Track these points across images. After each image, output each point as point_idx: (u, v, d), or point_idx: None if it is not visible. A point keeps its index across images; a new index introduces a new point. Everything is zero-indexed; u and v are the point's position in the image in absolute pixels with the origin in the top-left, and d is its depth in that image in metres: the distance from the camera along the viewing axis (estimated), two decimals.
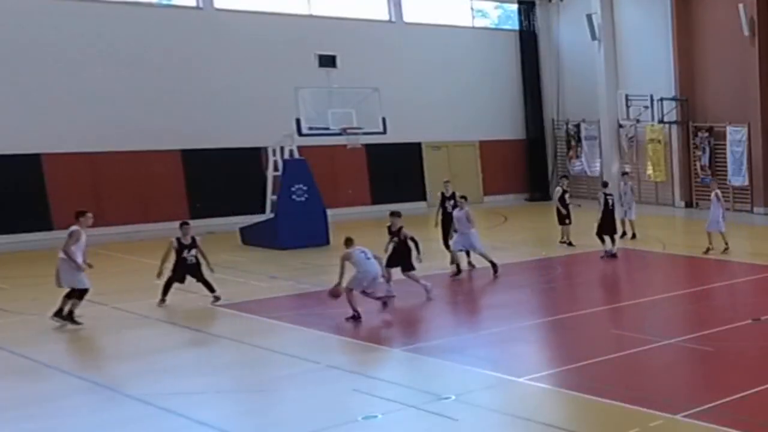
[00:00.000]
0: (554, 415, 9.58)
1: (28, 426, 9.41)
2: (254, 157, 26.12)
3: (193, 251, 15.29)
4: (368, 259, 14.18)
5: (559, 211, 21.36)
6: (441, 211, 19.14)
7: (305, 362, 11.82)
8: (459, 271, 17.44)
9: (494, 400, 10.07)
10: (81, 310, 14.58)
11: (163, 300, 15.13)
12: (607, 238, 19.84)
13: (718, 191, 20.83)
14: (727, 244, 20.18)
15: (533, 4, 33.67)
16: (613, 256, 19.68)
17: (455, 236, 17.51)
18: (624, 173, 25.23)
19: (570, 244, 21.22)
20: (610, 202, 19.92)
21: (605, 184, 21.09)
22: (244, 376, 10.95)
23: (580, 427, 9.21)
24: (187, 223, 15.62)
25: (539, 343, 13.19)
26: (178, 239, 15.29)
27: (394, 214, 15.56)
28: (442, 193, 19.37)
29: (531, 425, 9.16)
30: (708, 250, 20.18)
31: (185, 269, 15.26)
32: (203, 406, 9.97)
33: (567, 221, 21.31)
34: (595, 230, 19.90)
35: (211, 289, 15.29)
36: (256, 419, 9.68)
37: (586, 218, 21.32)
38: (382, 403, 9.79)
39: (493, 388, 10.48)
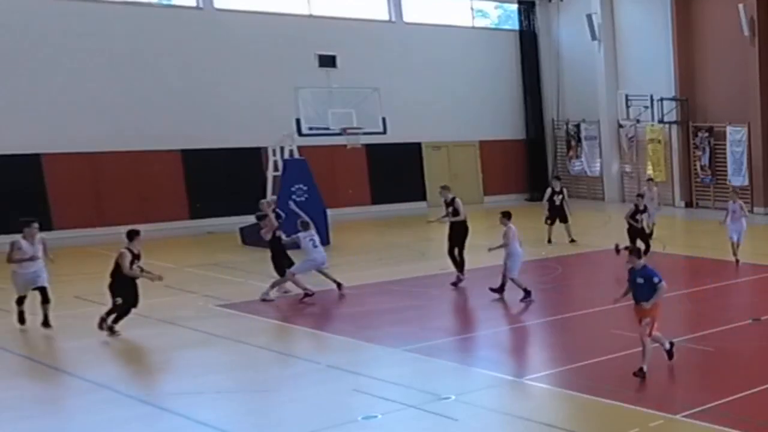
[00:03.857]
0: (554, 415, 9.58)
1: (28, 426, 9.41)
2: (254, 157, 26.11)
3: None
4: (315, 247, 15.37)
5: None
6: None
7: (305, 362, 11.83)
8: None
9: (494, 400, 10.07)
10: (82, 310, 14.62)
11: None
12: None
13: (741, 202, 19.95)
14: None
15: (533, 4, 33.65)
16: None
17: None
18: (648, 179, 25.11)
19: (549, 241, 21.77)
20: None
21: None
22: (244, 376, 10.95)
23: (580, 427, 9.21)
24: (137, 233, 13.53)
25: (539, 343, 13.20)
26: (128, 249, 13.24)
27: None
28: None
29: (531, 425, 9.17)
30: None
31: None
32: (203, 406, 9.97)
33: (548, 221, 21.96)
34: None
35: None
36: (256, 419, 9.69)
37: (584, 218, 21.30)
38: (382, 403, 9.80)
39: (493, 388, 10.49)
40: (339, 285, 15.94)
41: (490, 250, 15.77)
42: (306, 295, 15.23)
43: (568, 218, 22.16)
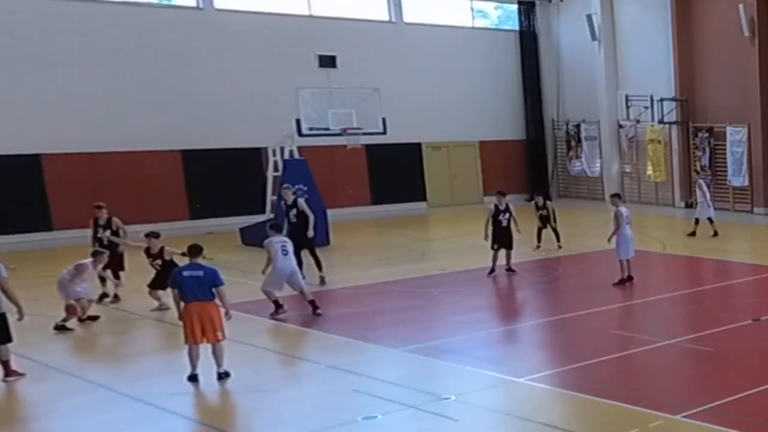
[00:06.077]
0: (554, 415, 9.58)
1: (28, 426, 9.41)
2: (254, 157, 26.12)
3: (108, 232, 15.70)
4: (285, 254, 13.94)
5: None
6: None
7: (305, 362, 11.84)
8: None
9: (494, 400, 10.07)
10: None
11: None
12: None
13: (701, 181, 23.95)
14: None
15: (533, 4, 33.66)
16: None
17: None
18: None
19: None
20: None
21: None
22: (244, 376, 10.94)
23: (580, 427, 9.21)
24: (100, 206, 15.89)
25: (539, 343, 13.20)
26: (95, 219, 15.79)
27: (151, 235, 14.61)
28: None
29: (531, 425, 9.17)
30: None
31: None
32: (203, 406, 9.97)
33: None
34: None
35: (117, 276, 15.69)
36: (256, 419, 9.69)
37: (584, 219, 21.28)
38: (382, 403, 9.79)
39: (493, 388, 10.49)
40: (315, 307, 14.28)
41: (609, 240, 16.74)
42: (278, 308, 14.17)
43: (551, 226, 21.20)
